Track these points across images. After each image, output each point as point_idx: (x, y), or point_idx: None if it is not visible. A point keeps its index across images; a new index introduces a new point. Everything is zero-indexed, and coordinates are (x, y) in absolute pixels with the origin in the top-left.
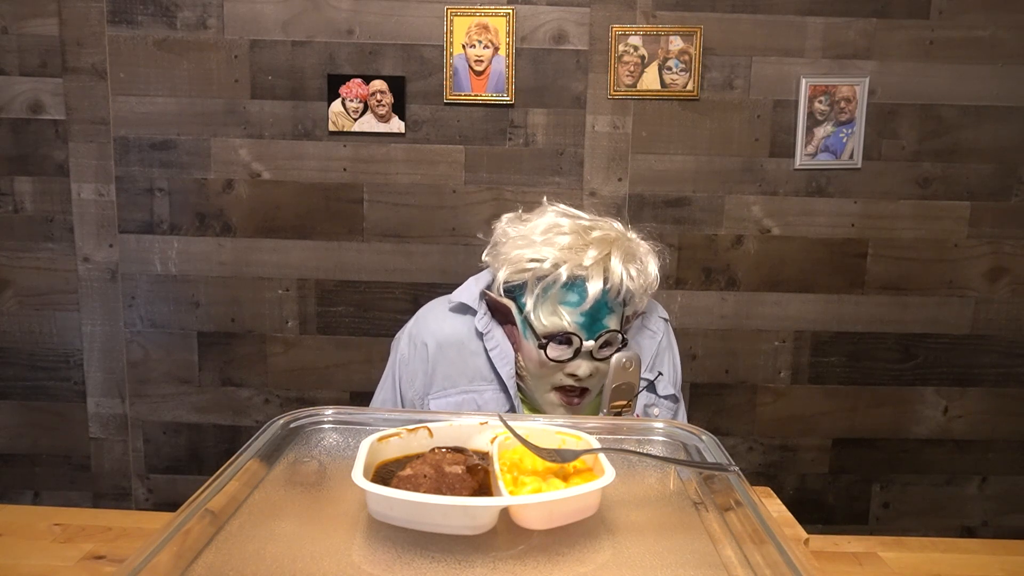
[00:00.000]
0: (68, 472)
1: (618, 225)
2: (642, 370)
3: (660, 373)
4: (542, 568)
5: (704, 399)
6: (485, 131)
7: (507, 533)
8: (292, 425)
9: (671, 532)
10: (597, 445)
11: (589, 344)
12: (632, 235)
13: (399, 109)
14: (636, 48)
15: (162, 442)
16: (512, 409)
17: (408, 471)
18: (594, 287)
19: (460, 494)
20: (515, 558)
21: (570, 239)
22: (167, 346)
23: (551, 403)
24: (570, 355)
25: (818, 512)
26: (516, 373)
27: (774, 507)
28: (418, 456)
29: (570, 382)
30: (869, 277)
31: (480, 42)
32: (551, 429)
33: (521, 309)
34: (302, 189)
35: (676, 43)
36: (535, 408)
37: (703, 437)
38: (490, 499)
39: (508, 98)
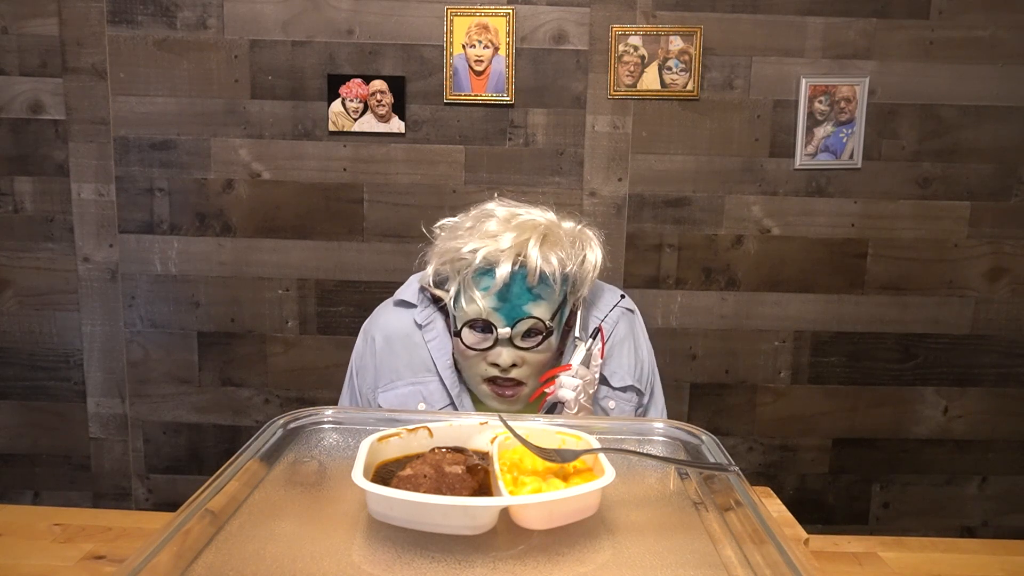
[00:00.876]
0: (68, 472)
1: (551, 215)
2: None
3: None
4: (542, 568)
5: (704, 399)
6: (485, 131)
7: (507, 533)
8: (292, 425)
9: (671, 532)
10: (597, 445)
11: (505, 331)
12: (569, 223)
13: (399, 109)
14: (636, 48)
15: (162, 442)
16: (451, 401)
17: (408, 471)
18: (502, 269)
19: (460, 494)
20: (515, 558)
21: (494, 227)
22: (167, 346)
23: (485, 395)
24: (489, 343)
25: (818, 512)
26: (455, 365)
27: (774, 507)
28: (418, 456)
29: (494, 372)
30: (869, 277)
31: (480, 42)
32: (551, 429)
33: (455, 300)
34: (302, 189)
35: (676, 43)
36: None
37: (703, 437)
38: (490, 499)
39: (508, 98)
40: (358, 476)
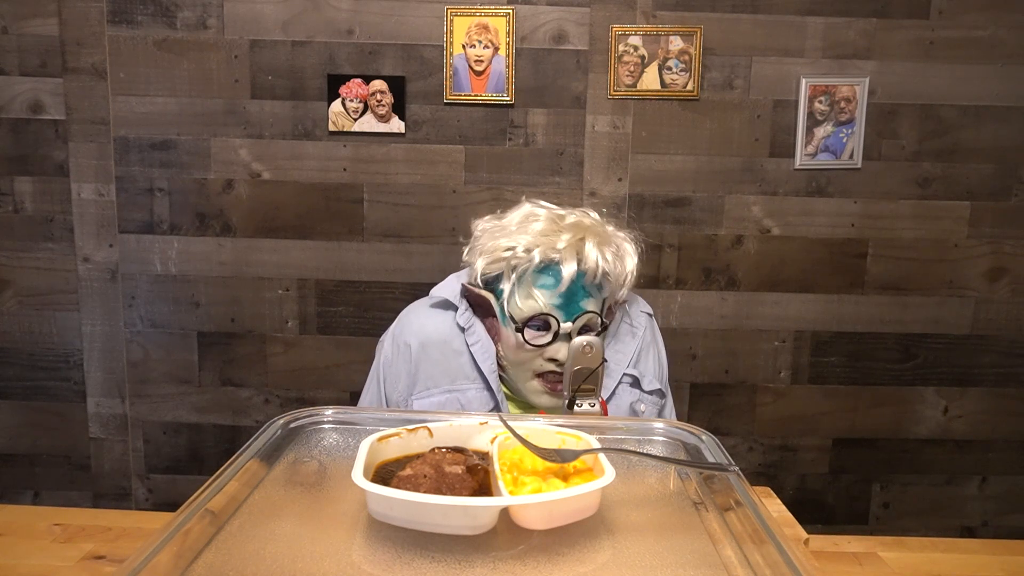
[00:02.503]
0: (68, 472)
1: (594, 215)
2: (626, 365)
3: (632, 374)
4: (542, 568)
5: (704, 399)
6: (485, 131)
7: (507, 533)
8: (292, 425)
9: (671, 532)
10: (597, 445)
11: (567, 326)
12: (609, 227)
13: (399, 109)
14: (636, 48)
15: (162, 442)
16: (496, 407)
17: (408, 471)
18: (568, 269)
19: (460, 494)
20: (515, 558)
21: (544, 226)
22: (167, 346)
23: (535, 391)
24: (549, 339)
25: (818, 512)
26: (499, 366)
27: (774, 507)
28: (418, 456)
29: (551, 367)
30: (869, 277)
31: (480, 42)
32: (551, 429)
33: (499, 297)
34: (302, 189)
35: (676, 43)
36: (521, 405)
37: (703, 437)
38: (490, 499)
39: (508, 98)
40: (358, 476)
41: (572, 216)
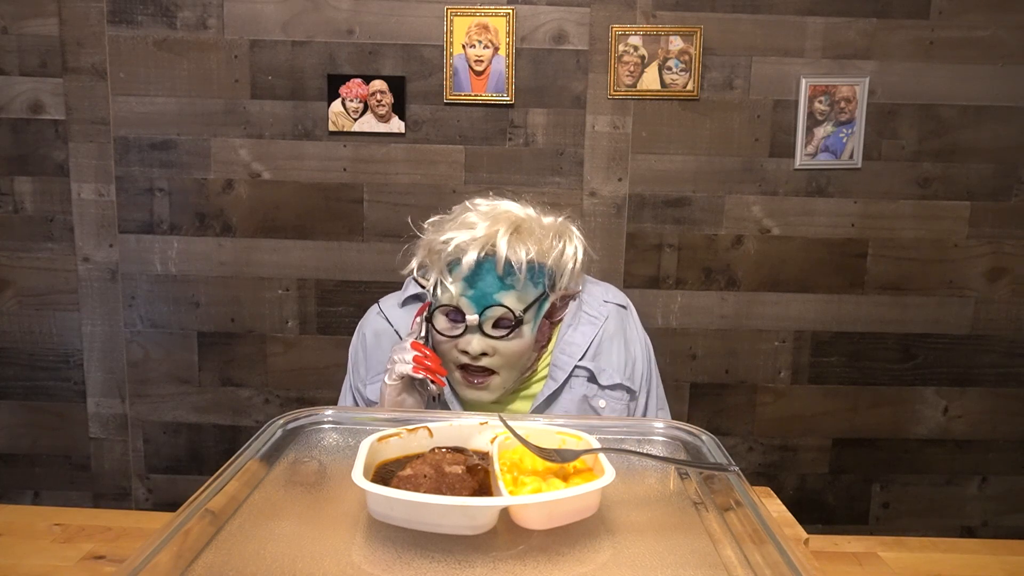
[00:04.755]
0: (68, 472)
1: (531, 209)
2: (578, 357)
3: (587, 367)
4: (542, 568)
5: (704, 399)
6: (485, 131)
7: (507, 533)
8: (292, 425)
9: (671, 532)
10: (597, 445)
11: (473, 318)
12: (549, 218)
13: (399, 109)
14: (636, 48)
15: (162, 442)
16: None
17: (408, 471)
18: (469, 257)
19: (460, 494)
20: (515, 558)
21: (473, 218)
22: (167, 346)
23: (458, 382)
24: (459, 331)
25: (818, 512)
26: None
27: (774, 507)
28: (418, 456)
29: (464, 359)
30: (869, 277)
31: (480, 42)
32: (551, 429)
33: (435, 289)
34: (302, 189)
35: (676, 43)
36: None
37: (703, 437)
38: (490, 499)
39: (508, 98)
40: (358, 476)
41: (506, 208)
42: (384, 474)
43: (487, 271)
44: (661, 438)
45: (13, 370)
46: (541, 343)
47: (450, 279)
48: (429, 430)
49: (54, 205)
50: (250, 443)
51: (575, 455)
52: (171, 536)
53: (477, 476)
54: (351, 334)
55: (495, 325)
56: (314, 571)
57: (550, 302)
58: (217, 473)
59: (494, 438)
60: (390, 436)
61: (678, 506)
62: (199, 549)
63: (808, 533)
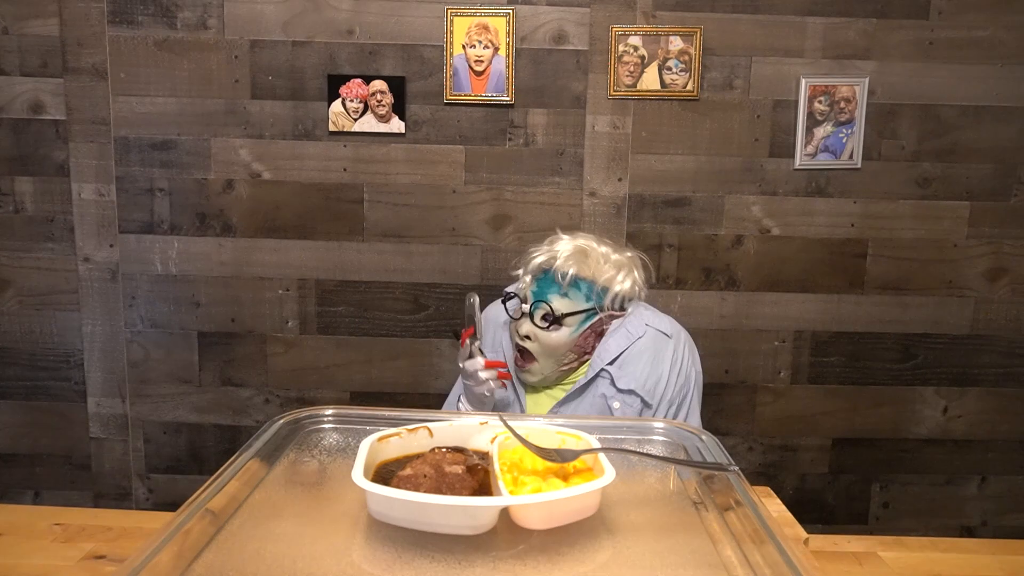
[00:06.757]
0: (68, 472)
1: (608, 245)
2: (607, 361)
3: (610, 370)
4: (542, 568)
5: (704, 399)
6: (485, 131)
7: (507, 533)
8: (292, 425)
9: (671, 532)
10: (597, 445)
11: (526, 307)
12: (617, 255)
13: (399, 109)
14: (636, 48)
15: (162, 442)
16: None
17: (408, 471)
18: (536, 260)
19: (460, 494)
20: (515, 558)
21: (560, 243)
22: (167, 346)
23: (514, 364)
24: (519, 315)
25: (818, 512)
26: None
27: (774, 507)
28: (418, 456)
29: (516, 339)
30: (869, 277)
31: (480, 42)
32: (551, 429)
33: None
34: (302, 189)
35: (676, 43)
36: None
37: (703, 437)
38: (490, 499)
39: (508, 98)
40: (358, 476)
41: (582, 240)
42: (384, 474)
43: (550, 278)
44: (661, 438)
45: (14, 370)
46: (584, 349)
47: (528, 278)
48: (429, 430)
49: (55, 205)
50: (250, 443)
51: (575, 455)
52: (171, 536)
53: (477, 476)
54: (351, 334)
55: (542, 318)
56: (314, 571)
57: (598, 317)
58: (217, 473)
59: (494, 438)
60: (390, 436)
61: (678, 506)
62: (199, 549)
63: (808, 533)
